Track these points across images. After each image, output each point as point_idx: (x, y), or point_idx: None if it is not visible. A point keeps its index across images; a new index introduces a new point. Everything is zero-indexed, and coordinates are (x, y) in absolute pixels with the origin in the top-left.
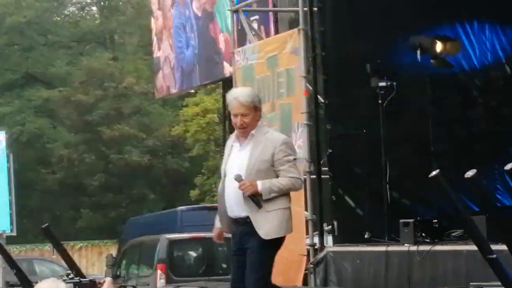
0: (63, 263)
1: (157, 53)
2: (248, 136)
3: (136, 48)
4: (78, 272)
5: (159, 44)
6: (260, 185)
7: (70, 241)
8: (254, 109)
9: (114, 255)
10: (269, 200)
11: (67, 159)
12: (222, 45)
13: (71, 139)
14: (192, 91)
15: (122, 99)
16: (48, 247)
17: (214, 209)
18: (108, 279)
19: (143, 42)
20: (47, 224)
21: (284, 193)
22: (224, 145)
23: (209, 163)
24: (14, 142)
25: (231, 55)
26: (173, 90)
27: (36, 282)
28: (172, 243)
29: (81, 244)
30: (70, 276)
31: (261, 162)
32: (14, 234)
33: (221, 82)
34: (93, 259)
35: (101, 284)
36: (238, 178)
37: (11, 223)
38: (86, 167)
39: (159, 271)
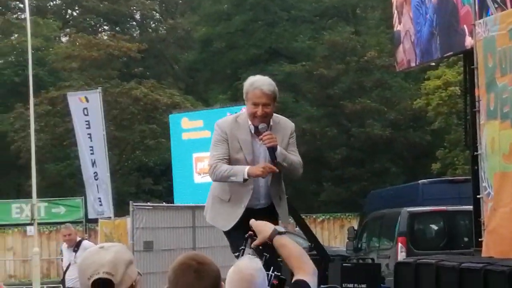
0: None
1: (397, 27)
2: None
3: (378, 22)
4: (317, 245)
5: (399, 17)
6: (279, 148)
7: (312, 214)
8: (274, 99)
9: (355, 228)
10: (281, 187)
11: (310, 132)
12: (463, 17)
13: (313, 112)
14: (433, 64)
15: (364, 72)
16: (291, 219)
17: (456, 182)
18: None
19: (385, 16)
20: (287, 197)
21: (289, 170)
22: (465, 118)
23: (451, 136)
24: None
25: (472, 27)
26: (413, 64)
27: None
28: (413, 216)
29: (323, 217)
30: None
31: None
32: None
33: (462, 55)
34: (335, 232)
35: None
36: (264, 128)
37: None
38: (328, 140)
39: (399, 244)
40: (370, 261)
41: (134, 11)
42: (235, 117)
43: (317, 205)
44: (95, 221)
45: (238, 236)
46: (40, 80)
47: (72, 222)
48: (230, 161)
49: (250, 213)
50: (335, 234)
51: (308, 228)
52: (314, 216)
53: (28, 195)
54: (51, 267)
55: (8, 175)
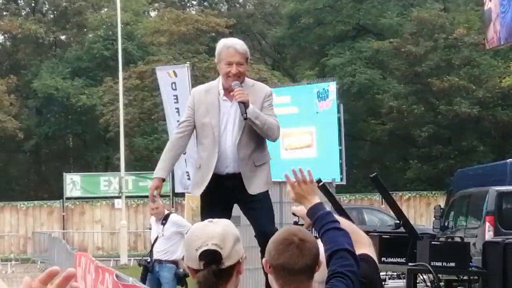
0: (391, 212)
1: (487, 5)
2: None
3: None
4: (405, 222)
5: None
6: (252, 106)
7: (398, 191)
8: (247, 60)
9: (442, 206)
10: (257, 155)
11: (397, 110)
12: None
13: (400, 90)
14: None
15: (452, 50)
16: (377, 196)
17: None
18: None
19: None
20: (375, 174)
21: (263, 130)
22: None
23: None
24: (345, 93)
25: None
26: (503, 42)
27: None
28: (501, 195)
29: (409, 195)
30: None
31: None
32: (344, 183)
33: None
34: (421, 210)
35: None
36: (236, 85)
37: (341, 172)
38: (415, 118)
39: (487, 223)
40: (459, 239)
41: None
42: (209, 83)
43: (403, 183)
44: (181, 195)
45: (209, 201)
46: (129, 54)
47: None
48: (197, 126)
49: (219, 178)
50: (421, 212)
51: (396, 205)
52: (400, 194)
53: (116, 169)
54: (138, 240)
55: (97, 149)
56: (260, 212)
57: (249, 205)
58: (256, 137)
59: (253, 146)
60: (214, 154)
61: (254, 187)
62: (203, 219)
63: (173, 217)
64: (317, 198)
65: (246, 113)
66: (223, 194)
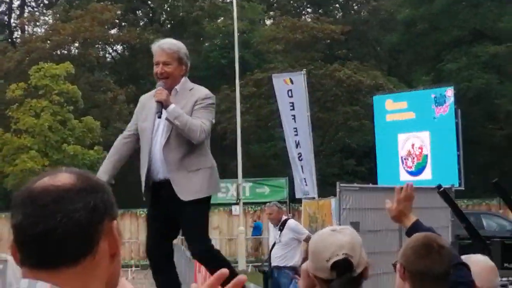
0: (510, 217)
1: None
2: (172, 91)
3: None
4: None
5: None
6: (174, 106)
7: None
8: (178, 60)
9: None
10: (191, 159)
11: None
12: None
13: None
14: None
15: None
16: (495, 201)
17: None
18: None
19: None
20: (496, 179)
21: (184, 131)
22: None
23: None
24: (462, 98)
25: None
26: None
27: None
28: None
29: None
30: None
31: None
32: (462, 188)
33: None
34: None
35: None
36: (160, 85)
37: (459, 178)
38: None
39: None
40: None
41: None
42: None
43: None
44: (298, 201)
45: (150, 213)
46: (245, 62)
47: (273, 202)
48: (139, 131)
49: (154, 186)
50: None
51: None
52: None
53: (233, 175)
54: (259, 245)
55: (214, 156)
56: (185, 225)
57: (180, 216)
58: (187, 144)
59: (184, 150)
60: (146, 158)
61: (185, 193)
62: (148, 230)
63: (291, 223)
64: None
65: (160, 112)
66: (160, 204)
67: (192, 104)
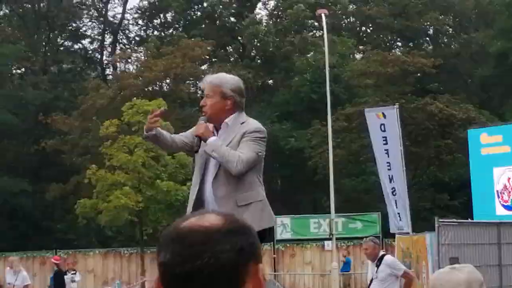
0: None
1: None
2: (222, 125)
3: None
4: None
5: None
6: (213, 139)
7: None
8: (221, 94)
9: None
10: (240, 193)
11: None
12: None
13: None
14: None
15: None
16: None
17: None
18: None
19: None
20: None
21: (223, 163)
22: None
23: None
24: None
25: None
26: None
27: None
28: None
29: None
30: None
31: None
32: None
33: None
34: None
35: None
36: (201, 119)
37: None
38: None
39: None
40: None
41: (427, 26)
42: None
43: None
44: (391, 236)
45: None
46: (336, 96)
47: (369, 237)
48: (196, 154)
49: None
50: None
51: None
52: None
53: (325, 210)
54: (350, 281)
55: (305, 191)
56: None
57: None
58: (232, 178)
59: (233, 185)
60: (197, 181)
61: None
62: None
63: (387, 258)
64: None
65: (198, 146)
66: None
67: (240, 137)
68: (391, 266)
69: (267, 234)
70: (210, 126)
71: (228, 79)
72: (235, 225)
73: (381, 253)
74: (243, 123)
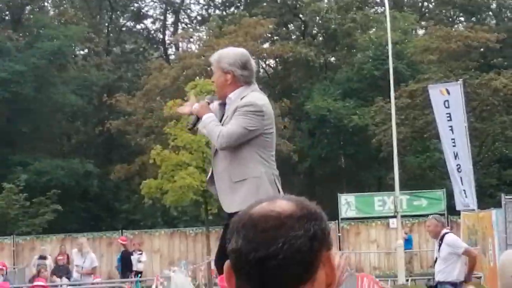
0: None
1: None
2: (227, 100)
3: None
4: None
5: None
6: (206, 116)
7: None
8: (220, 69)
9: None
10: (235, 169)
11: None
12: None
13: None
14: None
15: None
16: None
17: None
18: None
19: None
20: None
21: (208, 136)
22: None
23: None
24: None
25: None
26: None
27: None
28: None
29: None
30: None
31: None
32: None
33: None
34: None
35: None
36: (209, 97)
37: None
38: None
39: None
40: None
41: (490, 1)
42: None
43: None
44: (456, 213)
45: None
46: (399, 73)
47: (433, 214)
48: None
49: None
50: None
51: None
52: None
53: (389, 188)
54: (414, 259)
55: (370, 169)
56: None
57: None
58: (237, 150)
59: (229, 160)
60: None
61: (228, 204)
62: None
63: (448, 237)
64: None
65: (192, 125)
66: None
67: (233, 112)
68: (451, 245)
69: None
70: (216, 103)
71: (226, 54)
72: (307, 211)
73: (444, 231)
74: (244, 97)
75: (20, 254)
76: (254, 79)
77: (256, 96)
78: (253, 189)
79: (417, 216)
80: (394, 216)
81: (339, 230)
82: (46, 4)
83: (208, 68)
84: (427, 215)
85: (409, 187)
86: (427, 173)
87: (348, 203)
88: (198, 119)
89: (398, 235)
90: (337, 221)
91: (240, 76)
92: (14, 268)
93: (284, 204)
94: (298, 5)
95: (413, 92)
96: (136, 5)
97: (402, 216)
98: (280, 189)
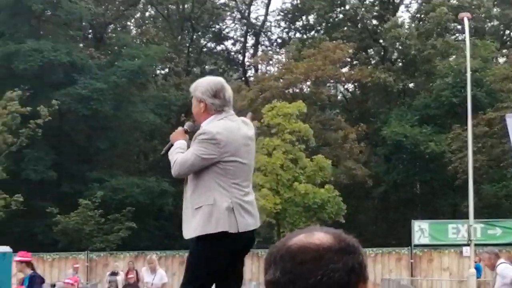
0: None
1: None
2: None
3: None
4: None
5: None
6: (177, 143)
7: None
8: (196, 98)
9: None
10: (195, 196)
11: None
12: None
13: None
14: None
15: None
16: None
17: None
18: None
19: None
20: None
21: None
22: None
23: None
24: None
25: None
26: None
27: None
28: None
29: None
30: None
31: None
32: None
33: None
34: None
35: None
36: (188, 124)
37: None
38: None
39: None
40: None
41: None
42: None
43: None
44: None
45: None
46: (477, 101)
47: (507, 244)
48: None
49: None
50: None
51: None
52: None
53: (464, 216)
54: None
55: (445, 196)
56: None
57: None
58: (197, 177)
59: (193, 187)
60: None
61: (185, 231)
62: None
63: (499, 267)
64: None
65: (165, 150)
66: None
67: (193, 140)
68: (501, 275)
69: (216, 240)
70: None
71: (201, 82)
72: (345, 244)
73: (499, 262)
74: (209, 123)
75: (94, 270)
76: (228, 108)
77: (215, 124)
78: (205, 216)
79: (491, 245)
80: (468, 244)
81: (411, 256)
82: (129, 23)
83: (286, 91)
84: (501, 244)
85: (484, 216)
86: (502, 202)
87: (422, 230)
88: (172, 145)
89: (471, 264)
90: (410, 247)
91: (211, 105)
92: (87, 284)
93: (322, 236)
94: (378, 31)
95: (491, 120)
96: (217, 26)
97: (476, 245)
98: (243, 217)
